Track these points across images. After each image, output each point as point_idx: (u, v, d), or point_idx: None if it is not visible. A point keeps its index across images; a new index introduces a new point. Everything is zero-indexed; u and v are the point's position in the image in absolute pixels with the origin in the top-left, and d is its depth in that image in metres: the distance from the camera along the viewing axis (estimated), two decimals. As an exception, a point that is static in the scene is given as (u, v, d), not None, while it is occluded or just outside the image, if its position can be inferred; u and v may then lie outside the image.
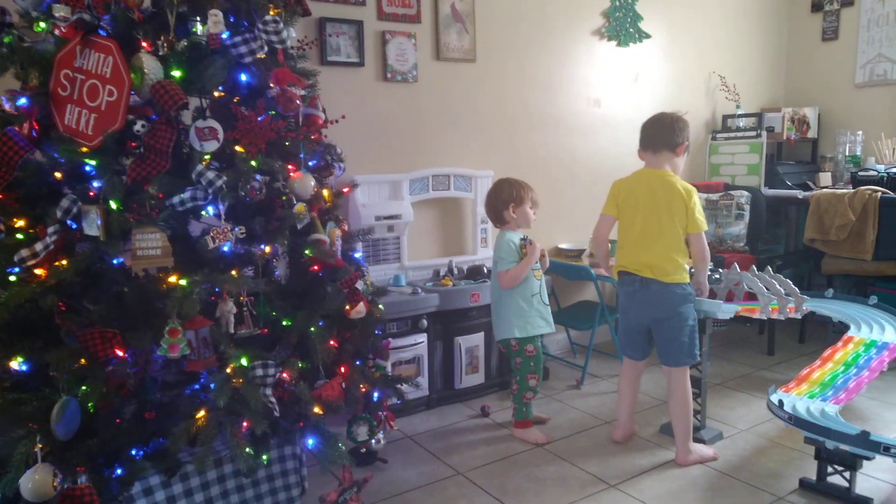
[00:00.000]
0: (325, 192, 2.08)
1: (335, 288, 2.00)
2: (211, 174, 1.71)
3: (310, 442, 1.86)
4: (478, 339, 3.22)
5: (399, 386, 2.45)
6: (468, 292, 3.13)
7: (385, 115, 3.22)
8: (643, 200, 2.52)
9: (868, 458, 2.17)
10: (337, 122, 2.13)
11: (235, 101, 1.90)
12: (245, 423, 1.71)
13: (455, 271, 3.31)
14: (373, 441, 2.24)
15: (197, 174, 1.71)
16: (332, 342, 1.95)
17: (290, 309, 1.93)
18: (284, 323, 1.92)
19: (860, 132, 4.33)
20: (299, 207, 1.89)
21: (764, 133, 4.28)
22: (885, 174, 3.89)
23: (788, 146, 4.61)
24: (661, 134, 2.54)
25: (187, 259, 1.76)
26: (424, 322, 3.02)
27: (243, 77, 1.92)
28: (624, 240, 2.59)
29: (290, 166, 1.94)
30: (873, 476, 2.35)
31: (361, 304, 2.07)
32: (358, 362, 2.14)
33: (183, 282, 1.69)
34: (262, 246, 1.84)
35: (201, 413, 1.73)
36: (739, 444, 2.69)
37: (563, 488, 2.37)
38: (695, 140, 4.52)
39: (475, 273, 3.30)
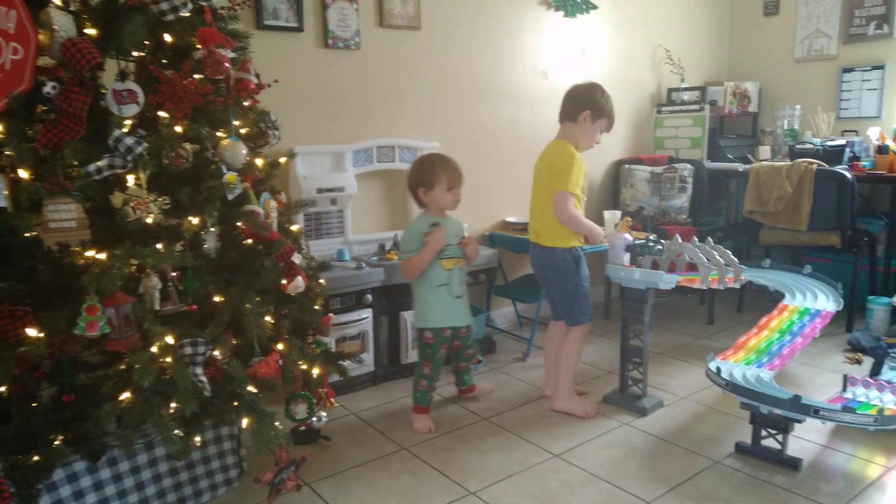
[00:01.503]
0: (260, 161, 1.98)
1: (270, 262, 1.91)
2: (130, 140, 1.60)
3: (244, 421, 1.79)
4: (424, 313, 3.18)
5: (342, 362, 2.40)
6: (414, 266, 3.08)
7: (327, 84, 3.11)
8: (537, 168, 2.72)
9: (799, 421, 2.25)
10: (270, 86, 2.02)
11: (165, 62, 1.78)
12: (173, 404, 1.63)
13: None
14: (314, 419, 2.19)
15: (114, 140, 1.60)
16: (267, 318, 1.87)
17: (222, 284, 1.85)
18: (217, 299, 1.84)
19: (798, 106, 4.44)
20: (230, 177, 1.79)
21: (707, 107, 4.34)
22: (821, 147, 4.00)
23: (730, 120, 4.68)
24: (564, 104, 2.69)
25: (107, 232, 1.65)
26: (369, 297, 2.96)
27: (167, 37, 1.80)
28: (530, 204, 2.77)
29: (219, 133, 1.83)
30: (804, 438, 2.44)
31: (299, 278, 1.99)
32: (297, 339, 2.07)
33: (102, 256, 1.58)
34: (190, 218, 1.73)
35: (126, 395, 1.64)
36: (679, 411, 2.75)
37: (508, 459, 2.38)
38: (640, 113, 4.55)
39: (421, 246, 3.24)
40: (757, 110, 4.73)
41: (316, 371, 2.08)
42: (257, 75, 2.08)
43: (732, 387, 2.32)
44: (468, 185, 3.72)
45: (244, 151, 1.83)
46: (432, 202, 2.60)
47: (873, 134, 4.00)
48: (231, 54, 1.86)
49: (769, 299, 3.79)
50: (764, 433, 2.33)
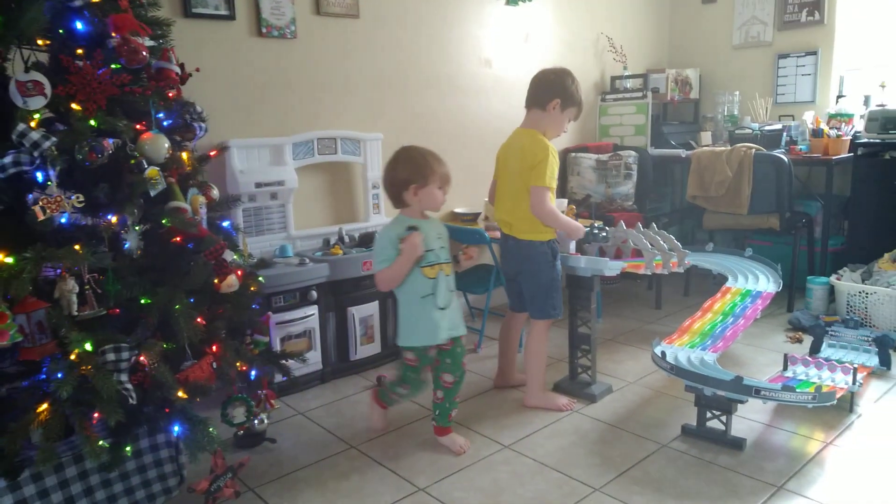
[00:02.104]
0: (185, 155, 1.89)
1: (200, 260, 1.82)
2: (36, 135, 1.49)
3: (176, 428, 1.71)
4: (372, 308, 3.12)
5: (285, 362, 2.32)
6: (360, 261, 3.01)
7: (262, 75, 3.00)
8: (505, 160, 2.63)
9: (742, 402, 2.28)
10: (191, 75, 1.92)
11: (79, 52, 1.67)
12: (96, 415, 1.53)
13: (346, 239, 3.18)
14: (255, 422, 2.11)
15: (18, 135, 1.48)
16: (199, 319, 1.78)
17: (148, 285, 1.75)
18: (143, 301, 1.74)
19: (737, 92, 4.53)
20: (151, 172, 1.69)
21: (649, 94, 4.39)
22: (760, 131, 4.10)
23: (673, 107, 4.75)
24: (532, 92, 2.61)
25: (16, 233, 1.54)
26: (314, 294, 2.88)
27: (78, 25, 1.69)
28: (497, 197, 2.69)
29: (139, 126, 1.73)
30: (747, 417, 2.48)
31: (232, 276, 1.91)
32: (234, 340, 1.99)
33: (10, 259, 1.47)
34: (109, 216, 1.63)
35: (44, 406, 1.54)
36: (628, 396, 2.77)
37: (458, 453, 2.35)
38: (585, 101, 4.54)
39: (367, 240, 3.18)
40: (698, 97, 4.81)
41: (254, 372, 2.00)
42: (182, 65, 1.99)
43: (677, 370, 2.35)
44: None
45: (166, 145, 1.73)
46: (420, 202, 2.25)
47: (809, 118, 4.11)
48: (149, 42, 1.75)
49: (714, 282, 3.87)
50: (709, 415, 2.36)
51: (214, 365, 1.79)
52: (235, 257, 2.21)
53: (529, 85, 2.61)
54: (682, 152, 4.20)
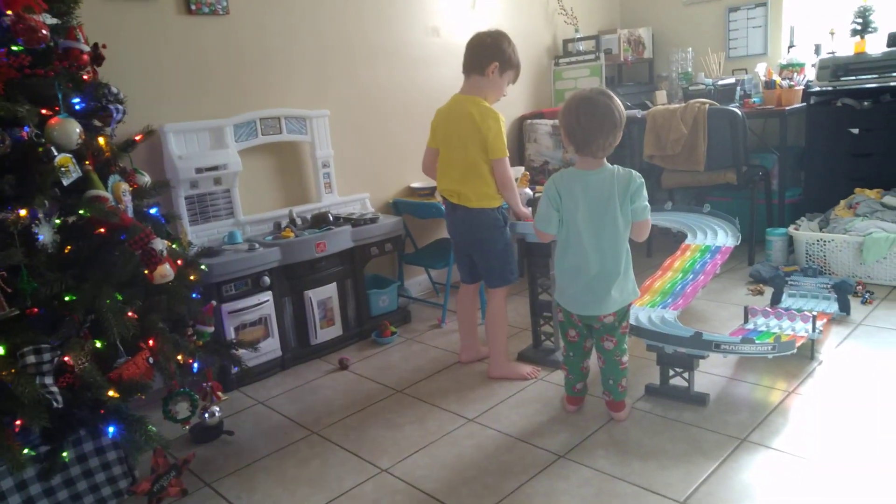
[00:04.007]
0: (102, 140, 1.77)
1: (126, 251, 1.72)
2: (-79, 125, 1.36)
3: (111, 429, 1.62)
4: (330, 290, 3.04)
5: (235, 352, 2.24)
6: (313, 242, 2.92)
7: (195, 54, 2.85)
8: (448, 127, 2.54)
9: (703, 357, 2.26)
10: (103, 56, 1.79)
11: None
12: (19, 422, 1.44)
13: (298, 221, 3.08)
14: (205, 416, 2.02)
15: None
16: (130, 314, 1.69)
17: (71, 281, 1.64)
18: (67, 298, 1.64)
19: (690, 49, 4.49)
20: (63, 160, 1.58)
21: (602, 55, 4.32)
22: (714, 87, 4.07)
23: (627, 67, 4.70)
24: (469, 57, 2.52)
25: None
26: (267, 279, 2.79)
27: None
28: (440, 166, 2.61)
29: (45, 111, 1.61)
30: (710, 372, 2.47)
31: (166, 266, 1.81)
32: (173, 332, 1.90)
33: None
34: (18, 209, 1.52)
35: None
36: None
37: (422, 430, 2.30)
38: (538, 66, 4.49)
39: (320, 221, 3.08)
40: (652, 56, 4.76)
41: (196, 365, 1.91)
42: (96, 45, 1.86)
43: (637, 330, 2.32)
44: (369, 153, 3.59)
45: (78, 130, 1.61)
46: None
47: (761, 70, 4.09)
48: (51, 20, 1.62)
49: (675, 241, 3.86)
50: (671, 373, 2.34)
51: (151, 360, 1.69)
52: (175, 246, 2.12)
53: (466, 50, 2.52)
54: (638, 113, 4.16)
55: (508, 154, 2.48)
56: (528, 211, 2.61)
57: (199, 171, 2.74)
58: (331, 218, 3.10)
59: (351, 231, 3.07)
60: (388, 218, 3.29)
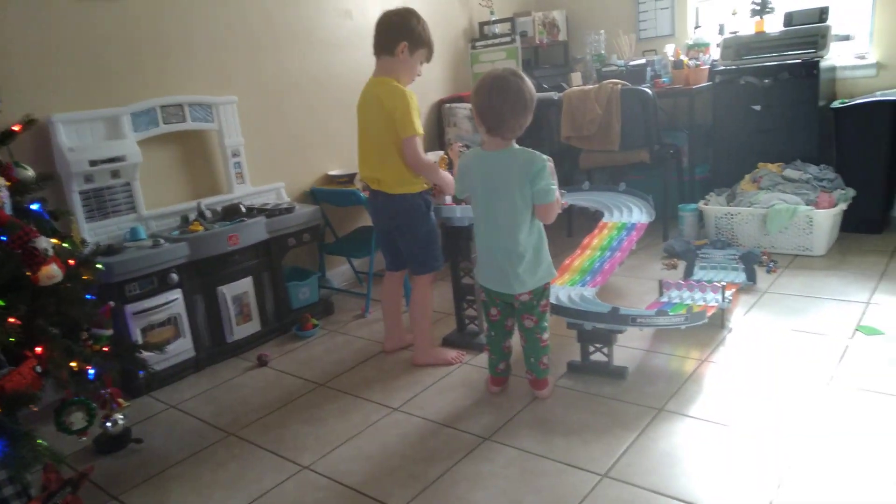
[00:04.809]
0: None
1: (4, 251, 1.57)
2: None
3: (-8, 447, 1.48)
4: (245, 284, 2.92)
5: (140, 354, 2.10)
6: (224, 235, 2.78)
7: (86, 40, 2.64)
8: (362, 113, 2.49)
9: (621, 332, 2.31)
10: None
11: None
12: None
13: (207, 214, 2.93)
14: (107, 424, 1.89)
15: None
16: (11, 319, 1.54)
17: (-61, 287, 1.48)
18: (-65, 306, 1.48)
19: (602, 31, 4.56)
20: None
21: (518, 38, 4.33)
22: (626, 68, 4.15)
23: (542, 50, 4.73)
24: (378, 37, 2.45)
25: None
26: (174, 276, 2.64)
27: None
28: (359, 153, 2.55)
29: None
30: (628, 346, 2.52)
31: (53, 266, 1.66)
32: (66, 337, 1.75)
33: None
34: None
35: None
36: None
37: (345, 423, 2.24)
38: (455, 50, 4.45)
39: (232, 213, 2.95)
40: (566, 38, 4.81)
41: (92, 371, 1.78)
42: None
43: (556, 309, 2.33)
44: (282, 140, 3.45)
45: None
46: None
47: (669, 51, 4.21)
48: None
49: (593, 220, 3.93)
50: (592, 349, 2.37)
51: (39, 369, 1.55)
52: (65, 244, 1.96)
53: (374, 30, 2.44)
54: (555, 95, 4.19)
55: (422, 133, 2.41)
56: (450, 178, 2.55)
57: (93, 163, 2.55)
58: (243, 209, 2.97)
59: (265, 222, 2.95)
60: (304, 207, 3.19)
